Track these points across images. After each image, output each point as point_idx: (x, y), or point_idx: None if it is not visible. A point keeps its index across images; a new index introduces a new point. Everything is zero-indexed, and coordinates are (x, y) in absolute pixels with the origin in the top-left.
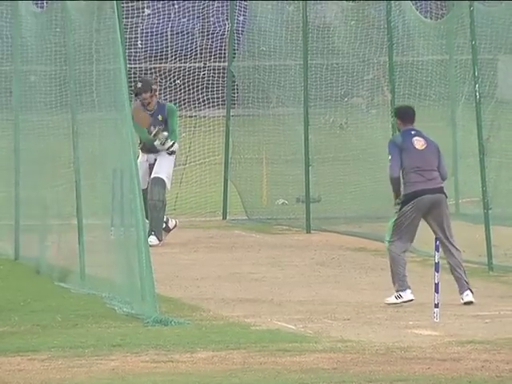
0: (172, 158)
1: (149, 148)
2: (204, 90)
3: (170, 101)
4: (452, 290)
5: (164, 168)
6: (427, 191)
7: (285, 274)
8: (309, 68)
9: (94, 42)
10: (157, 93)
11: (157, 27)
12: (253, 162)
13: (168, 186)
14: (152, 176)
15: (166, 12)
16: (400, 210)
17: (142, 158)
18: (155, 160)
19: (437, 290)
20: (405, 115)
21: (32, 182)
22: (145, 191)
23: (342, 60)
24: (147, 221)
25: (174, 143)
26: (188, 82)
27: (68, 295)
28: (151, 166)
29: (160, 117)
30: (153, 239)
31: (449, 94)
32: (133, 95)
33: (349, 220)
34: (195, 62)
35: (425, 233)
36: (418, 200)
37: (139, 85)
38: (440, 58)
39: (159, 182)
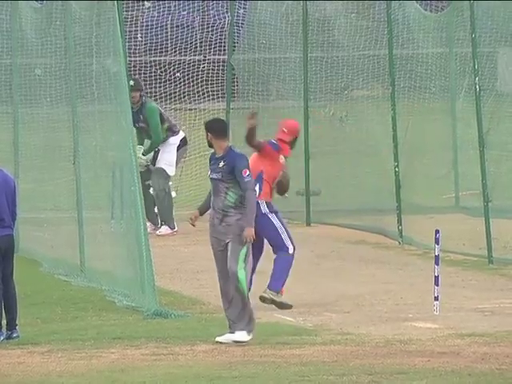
0: (172, 145)
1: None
2: (204, 82)
3: (170, 94)
4: (452, 283)
5: (163, 155)
6: None
7: None
8: (309, 61)
9: (94, 35)
10: (143, 92)
11: (157, 20)
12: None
13: (169, 172)
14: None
15: (166, 5)
16: None
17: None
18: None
19: (437, 283)
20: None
21: (32, 174)
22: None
23: (341, 53)
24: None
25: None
26: (188, 74)
27: (68, 288)
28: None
29: (141, 116)
30: (163, 229)
31: (449, 87)
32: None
33: (349, 213)
34: (195, 55)
35: (424, 226)
36: None
37: (131, 83)
38: (440, 50)
39: (158, 171)
